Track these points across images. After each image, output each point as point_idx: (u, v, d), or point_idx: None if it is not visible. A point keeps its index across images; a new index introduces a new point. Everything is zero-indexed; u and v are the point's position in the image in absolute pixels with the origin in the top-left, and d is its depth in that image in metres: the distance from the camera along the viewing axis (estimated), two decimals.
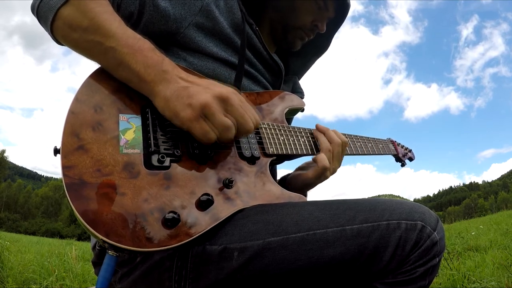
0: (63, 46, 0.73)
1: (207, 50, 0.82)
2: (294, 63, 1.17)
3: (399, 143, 1.34)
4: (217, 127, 0.65)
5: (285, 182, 0.98)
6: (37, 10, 0.70)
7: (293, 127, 0.92)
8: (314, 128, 0.97)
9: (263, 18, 1.04)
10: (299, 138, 0.91)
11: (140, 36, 0.68)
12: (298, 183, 0.93)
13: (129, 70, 0.66)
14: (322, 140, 0.91)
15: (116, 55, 0.65)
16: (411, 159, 1.38)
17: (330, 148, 0.90)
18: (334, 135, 0.92)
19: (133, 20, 0.76)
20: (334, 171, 0.92)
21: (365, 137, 1.15)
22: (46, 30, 0.71)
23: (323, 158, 0.87)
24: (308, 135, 0.95)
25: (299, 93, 1.17)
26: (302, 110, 1.04)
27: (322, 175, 0.88)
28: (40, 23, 0.73)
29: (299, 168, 1.00)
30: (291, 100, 0.99)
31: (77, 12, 0.66)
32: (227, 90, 0.67)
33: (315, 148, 0.93)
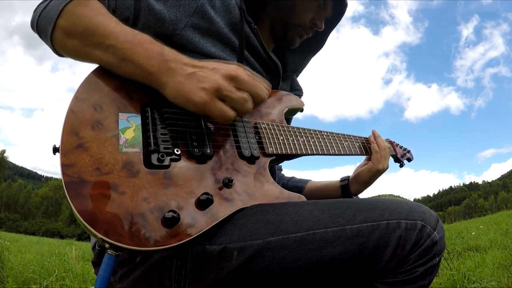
0: None
1: (205, 50, 0.82)
2: (292, 60, 1.18)
3: (398, 144, 1.34)
4: (236, 104, 0.68)
5: (348, 181, 1.15)
6: (36, 24, 0.72)
7: (294, 127, 0.92)
8: (314, 128, 0.98)
9: (263, 16, 1.04)
10: (298, 138, 0.91)
11: (138, 31, 0.69)
12: (365, 176, 1.11)
13: (132, 64, 0.66)
14: (374, 144, 1.14)
15: (117, 52, 0.66)
16: (409, 159, 1.38)
17: (377, 150, 1.12)
18: (382, 141, 1.15)
19: (129, 25, 0.76)
20: (386, 169, 1.13)
21: (365, 138, 1.16)
22: (47, 43, 0.73)
23: (374, 145, 1.12)
24: (308, 135, 0.95)
25: (298, 90, 1.18)
26: (301, 110, 1.04)
27: (382, 157, 1.11)
28: (41, 38, 0.74)
29: (358, 168, 1.17)
30: (290, 100, 0.99)
31: (73, 19, 0.67)
32: (233, 68, 0.70)
33: (319, 149, 0.95)
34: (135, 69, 0.67)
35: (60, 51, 0.73)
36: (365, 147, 1.13)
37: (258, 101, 0.73)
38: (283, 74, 1.10)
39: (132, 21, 0.77)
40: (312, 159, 0.99)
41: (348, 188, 1.14)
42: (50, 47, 0.73)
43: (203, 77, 0.66)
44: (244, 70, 0.71)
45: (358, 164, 1.21)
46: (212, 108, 0.66)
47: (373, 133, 1.17)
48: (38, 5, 0.73)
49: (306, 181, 1.26)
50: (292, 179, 1.28)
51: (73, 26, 0.67)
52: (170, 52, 0.69)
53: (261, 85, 0.73)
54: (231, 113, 0.68)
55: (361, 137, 1.14)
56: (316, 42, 1.18)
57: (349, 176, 1.17)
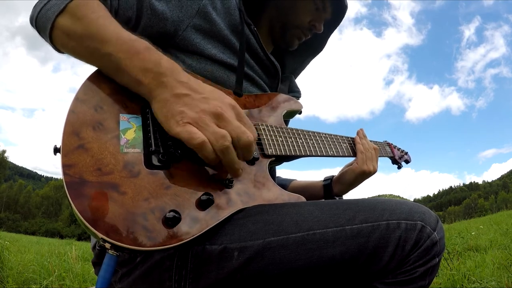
0: None
1: (206, 52, 0.82)
2: (290, 62, 1.18)
3: (395, 146, 1.35)
4: (210, 136, 0.61)
5: (331, 181, 1.12)
6: (35, 21, 0.71)
7: (293, 129, 0.93)
8: (315, 129, 0.99)
9: (263, 17, 1.04)
10: (298, 139, 0.92)
11: (136, 37, 0.68)
12: (349, 177, 1.07)
13: (127, 75, 0.65)
14: (359, 144, 1.10)
15: (113, 61, 0.65)
16: (407, 161, 1.38)
17: (362, 150, 1.08)
18: (367, 142, 1.11)
19: (131, 25, 0.76)
20: (372, 171, 1.08)
21: None
22: (46, 40, 0.72)
23: (358, 145, 1.08)
24: (307, 136, 0.95)
25: (296, 92, 1.18)
26: (300, 113, 1.04)
27: (368, 158, 1.07)
28: (40, 34, 0.73)
29: (344, 168, 1.12)
30: (289, 102, 0.99)
31: (73, 20, 0.66)
32: (222, 105, 0.64)
33: (317, 150, 0.95)
34: (130, 81, 0.66)
35: (60, 49, 0.72)
36: None
37: (240, 145, 0.64)
38: (282, 75, 1.10)
39: (134, 21, 0.77)
40: (313, 159, 0.99)
41: (330, 188, 1.11)
42: (49, 44, 0.72)
43: (188, 104, 0.62)
44: (234, 110, 0.66)
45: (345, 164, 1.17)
46: (181, 130, 0.60)
47: (358, 134, 1.12)
48: (38, 1, 0.72)
49: (290, 180, 1.25)
50: (277, 178, 1.27)
51: (73, 27, 0.66)
52: (167, 63, 0.66)
53: (247, 129, 0.65)
54: (200, 137, 0.60)
55: None
56: (315, 45, 1.18)
57: (333, 176, 1.14)
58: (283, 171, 1.30)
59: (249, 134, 0.64)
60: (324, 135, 1.01)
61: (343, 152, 1.04)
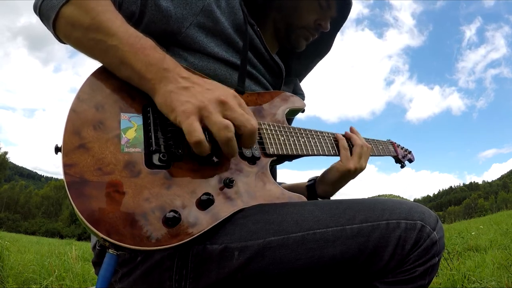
0: (68, 48, 0.73)
1: (208, 50, 0.82)
2: (296, 64, 1.18)
3: (399, 145, 1.35)
4: (213, 127, 0.62)
5: (315, 182, 1.04)
6: (39, 9, 0.71)
7: (295, 128, 0.93)
8: (315, 128, 0.98)
9: (266, 19, 1.04)
10: (299, 138, 0.91)
11: (142, 34, 0.69)
12: (332, 176, 0.99)
13: (131, 68, 0.66)
14: (342, 140, 1.01)
15: (118, 54, 0.66)
16: (410, 160, 1.38)
17: (346, 147, 1.00)
18: (358, 138, 1.03)
19: (134, 20, 0.76)
20: (359, 169, 1.00)
21: (366, 139, 1.15)
22: (49, 28, 0.72)
23: (342, 141, 1.00)
24: (309, 135, 0.95)
25: (300, 94, 1.17)
26: (303, 111, 1.04)
27: (356, 154, 0.99)
28: (43, 22, 0.73)
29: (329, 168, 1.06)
30: (291, 100, 0.99)
31: (79, 11, 0.66)
32: (226, 94, 0.66)
33: (320, 149, 0.95)
34: (133, 74, 0.66)
35: (63, 40, 0.72)
36: None
37: (244, 132, 0.65)
38: (286, 78, 1.09)
39: (138, 16, 0.77)
40: (314, 158, 0.98)
41: (314, 188, 1.04)
42: (52, 33, 0.72)
43: (193, 94, 0.64)
44: (237, 99, 0.67)
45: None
46: (186, 121, 0.61)
47: (351, 129, 1.07)
48: None
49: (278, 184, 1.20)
50: None
51: (79, 18, 0.66)
52: (170, 61, 0.68)
53: (250, 116, 0.67)
54: (199, 135, 0.60)
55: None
56: (321, 46, 1.17)
57: (317, 176, 1.07)
58: (284, 170, 1.30)
59: (253, 122, 0.66)
60: (326, 134, 1.01)
61: None
